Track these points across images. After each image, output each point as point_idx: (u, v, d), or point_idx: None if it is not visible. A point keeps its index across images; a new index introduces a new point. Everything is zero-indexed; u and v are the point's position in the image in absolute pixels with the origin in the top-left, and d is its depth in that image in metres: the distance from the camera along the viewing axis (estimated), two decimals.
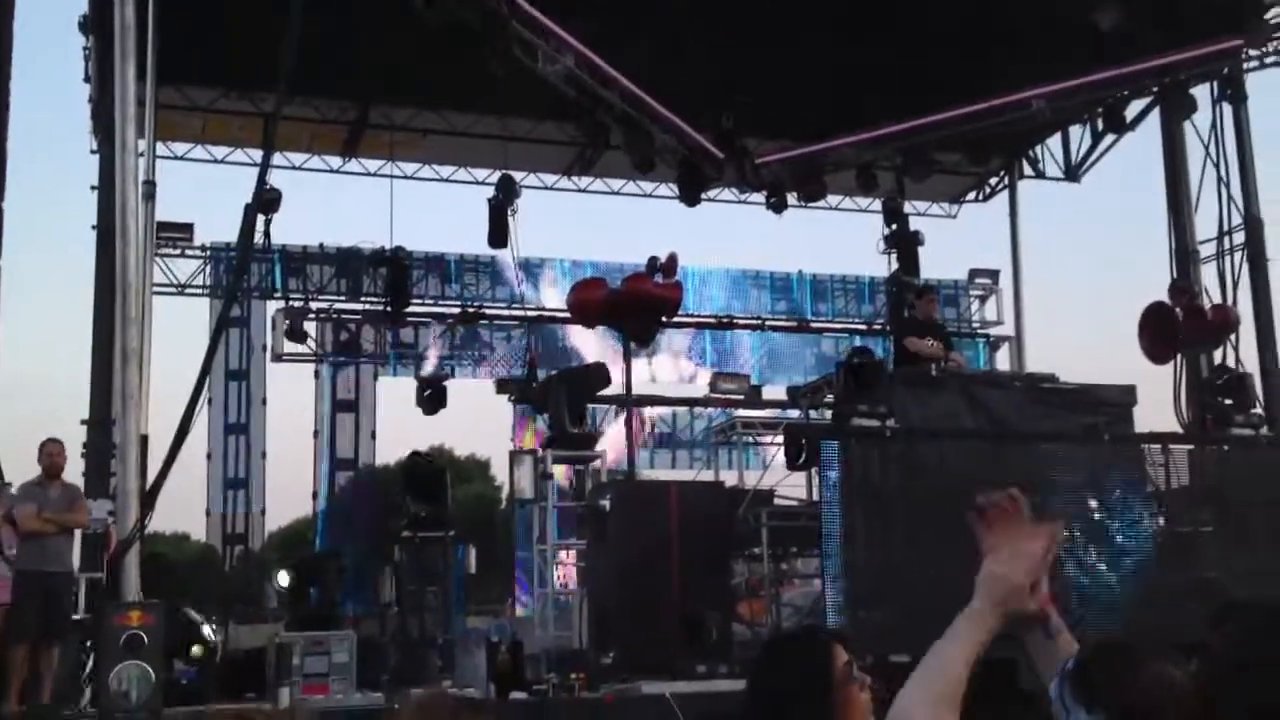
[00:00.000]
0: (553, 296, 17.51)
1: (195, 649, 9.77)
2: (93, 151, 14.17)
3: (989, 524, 2.32)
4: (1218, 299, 14.59)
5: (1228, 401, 12.78)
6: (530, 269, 17.65)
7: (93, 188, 13.48)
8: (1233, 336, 14.04)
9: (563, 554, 13.62)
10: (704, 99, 14.27)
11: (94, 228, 13.20)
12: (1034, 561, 2.28)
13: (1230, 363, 13.96)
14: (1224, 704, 1.82)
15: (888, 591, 9.60)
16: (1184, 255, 15.24)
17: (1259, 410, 13.14)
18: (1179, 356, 14.14)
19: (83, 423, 12.02)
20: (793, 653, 3.09)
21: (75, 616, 9.54)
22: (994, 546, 2.30)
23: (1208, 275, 15.01)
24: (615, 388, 14.90)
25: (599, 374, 14.47)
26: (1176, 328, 13.99)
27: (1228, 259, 14.66)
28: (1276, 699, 1.78)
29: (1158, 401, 13.53)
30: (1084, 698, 2.06)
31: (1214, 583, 9.80)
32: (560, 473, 13.59)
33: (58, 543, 9.69)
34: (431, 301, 17.50)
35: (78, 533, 10.02)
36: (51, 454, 9.96)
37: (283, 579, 11.45)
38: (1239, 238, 14.68)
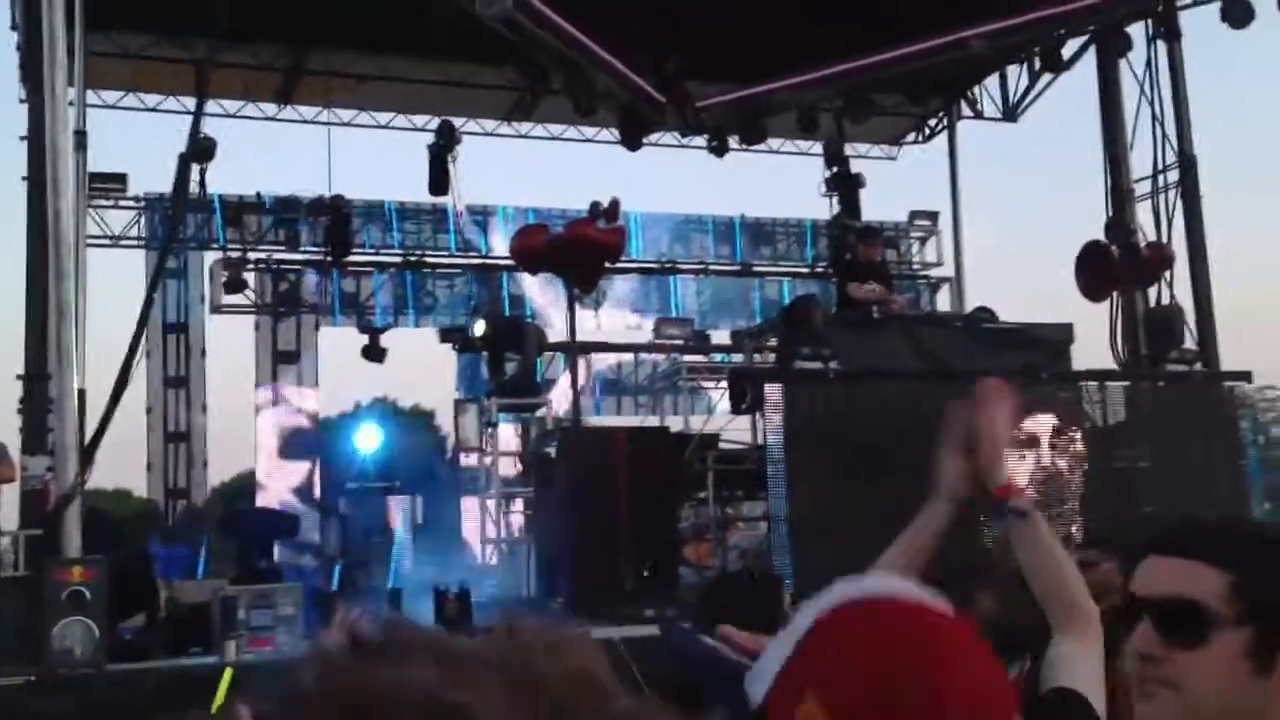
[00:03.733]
0: (496, 244, 17.42)
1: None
2: (21, 101, 13.86)
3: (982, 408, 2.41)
4: (1153, 237, 14.74)
5: (1163, 337, 12.99)
6: (472, 216, 17.54)
7: (22, 138, 13.20)
8: (1167, 274, 14.21)
9: (509, 502, 13.65)
10: (645, 43, 14.15)
11: (24, 179, 12.93)
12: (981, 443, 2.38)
13: (1165, 300, 14.14)
14: None
15: (832, 531, 9.69)
16: (1120, 194, 15.34)
17: (1192, 346, 13.37)
18: (1115, 294, 14.31)
19: (18, 377, 11.83)
20: (742, 592, 3.15)
21: (19, 574, 9.43)
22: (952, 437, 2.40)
23: (1143, 213, 15.15)
24: (559, 335, 14.89)
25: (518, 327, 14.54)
26: (1112, 266, 14.16)
27: (1162, 197, 14.79)
28: None
29: (1094, 339, 13.72)
30: None
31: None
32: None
33: None
34: (373, 250, 17.35)
35: (8, 490, 9.91)
36: None
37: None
38: (1173, 175, 14.79)
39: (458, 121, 16.51)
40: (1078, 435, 10.70)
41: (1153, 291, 14.36)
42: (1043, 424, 10.58)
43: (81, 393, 9.65)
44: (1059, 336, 11.64)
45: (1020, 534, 2.42)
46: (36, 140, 11.91)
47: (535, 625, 0.86)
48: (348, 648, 0.81)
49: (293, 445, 16.17)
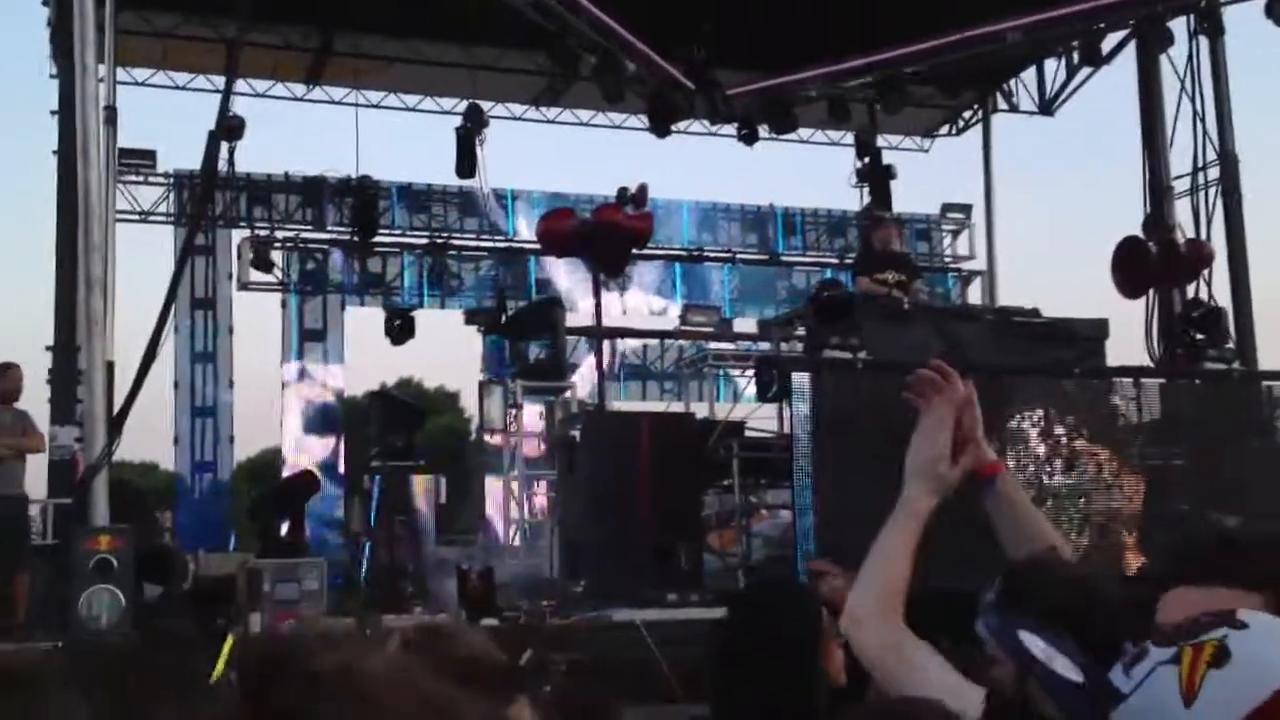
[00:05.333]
0: (522, 227, 17.39)
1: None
2: (52, 76, 13.89)
3: (925, 399, 2.35)
4: (1191, 234, 14.60)
5: (1200, 336, 12.86)
6: (499, 199, 17.51)
7: (53, 113, 13.22)
8: (1205, 272, 14.08)
9: (533, 484, 13.62)
10: (675, 29, 14.07)
11: (55, 153, 12.97)
12: (947, 426, 2.31)
13: (1203, 298, 14.00)
14: None
15: (857, 522, 9.57)
16: (1158, 190, 15.20)
17: (1230, 345, 13.24)
18: (1151, 291, 14.17)
19: (47, 349, 11.88)
20: (784, 609, 3.10)
21: (47, 542, 9.50)
22: (921, 429, 2.33)
23: (1182, 210, 15.01)
24: (585, 319, 14.85)
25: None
26: (1150, 263, 14.01)
27: (1202, 194, 14.65)
28: None
29: (1130, 336, 13.59)
30: (1015, 609, 2.01)
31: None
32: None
33: (11, 467, 9.64)
34: (399, 231, 17.35)
35: (34, 459, 9.97)
36: (16, 379, 9.90)
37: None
38: (1213, 173, 14.64)
39: (486, 105, 16.44)
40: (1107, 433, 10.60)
41: (1190, 289, 14.23)
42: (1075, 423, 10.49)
43: (110, 365, 9.67)
44: (1093, 332, 11.50)
45: (1003, 505, 2.37)
46: (67, 114, 11.96)
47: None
48: None
49: (317, 422, 16.24)
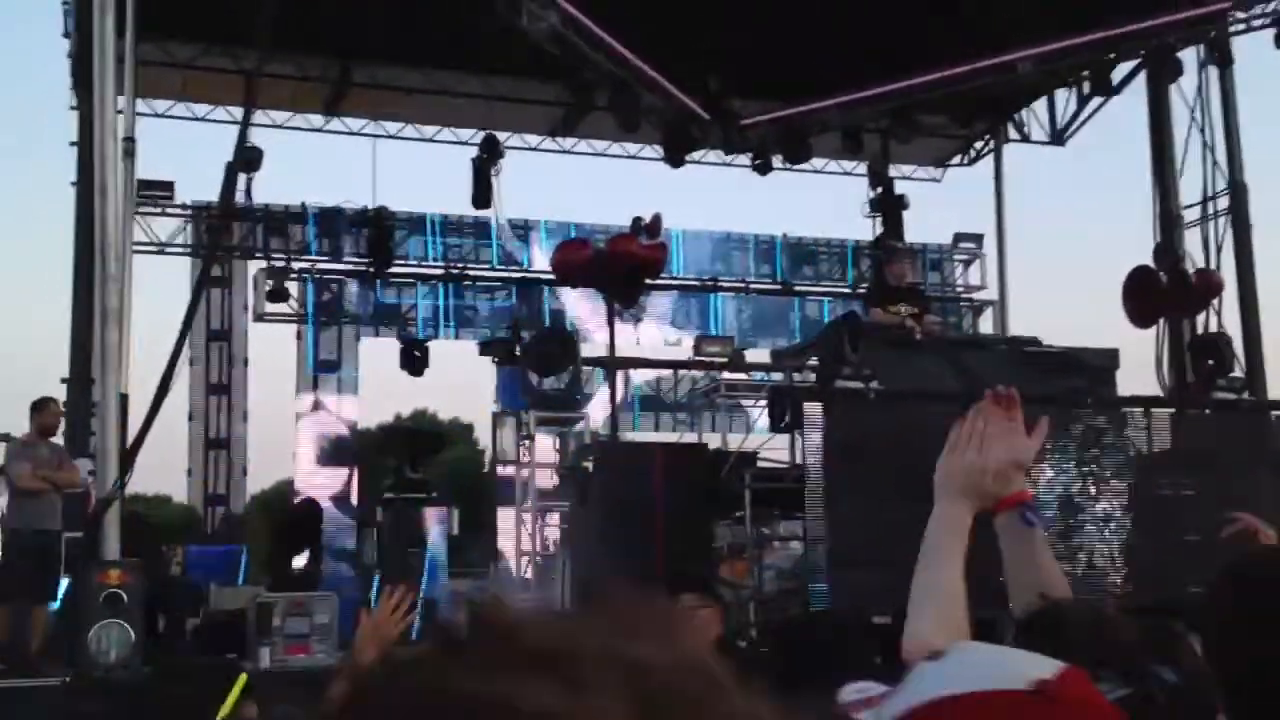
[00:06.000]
0: (537, 258, 17.45)
1: None
2: (72, 107, 14.03)
3: (989, 414, 2.27)
4: (1201, 264, 14.59)
5: (1210, 365, 12.83)
6: (514, 230, 17.58)
7: (72, 144, 13.36)
8: (1215, 301, 14.07)
9: (546, 515, 13.61)
10: (690, 60, 14.15)
11: (73, 184, 13.09)
12: (1009, 449, 2.23)
13: (1213, 327, 13.99)
14: (1222, 658, 1.80)
15: (870, 553, 9.57)
16: (1168, 220, 15.22)
17: (1240, 374, 13.22)
18: (1162, 321, 14.16)
19: (62, 381, 11.94)
20: (833, 636, 3.26)
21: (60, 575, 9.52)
22: (954, 442, 2.26)
23: (1192, 240, 15.03)
24: (599, 349, 14.87)
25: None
26: (1160, 292, 14.01)
27: (1212, 224, 14.66)
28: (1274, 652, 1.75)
29: (1140, 365, 13.57)
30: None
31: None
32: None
33: (50, 501, 9.67)
34: (415, 262, 17.41)
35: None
36: (57, 414, 9.99)
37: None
38: (1223, 203, 14.66)
39: (502, 136, 16.54)
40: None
41: (1200, 319, 14.22)
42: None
43: (124, 397, 9.72)
44: (1104, 362, 11.49)
45: (1023, 540, 2.33)
46: (86, 146, 12.08)
47: (636, 607, 0.74)
48: (438, 649, 0.67)
49: (331, 453, 16.23)
